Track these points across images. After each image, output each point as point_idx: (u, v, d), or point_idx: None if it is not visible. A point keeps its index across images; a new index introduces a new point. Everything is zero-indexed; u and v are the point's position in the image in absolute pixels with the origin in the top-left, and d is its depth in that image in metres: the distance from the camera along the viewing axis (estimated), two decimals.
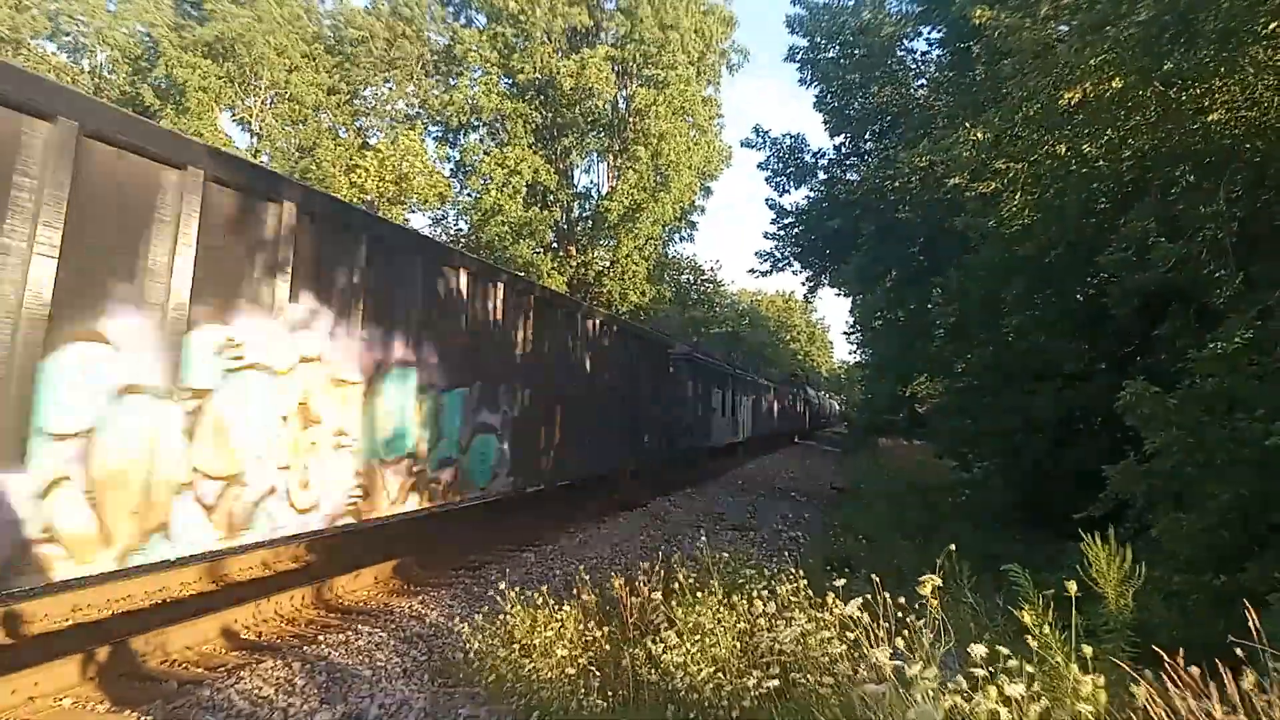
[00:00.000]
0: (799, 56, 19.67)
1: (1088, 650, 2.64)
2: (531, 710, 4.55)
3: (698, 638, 4.47)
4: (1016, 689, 2.48)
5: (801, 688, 3.63)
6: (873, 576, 3.24)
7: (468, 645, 5.45)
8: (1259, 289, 6.07)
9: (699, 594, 4.94)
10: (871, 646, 2.97)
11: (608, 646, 5.04)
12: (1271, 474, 5.24)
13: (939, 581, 2.90)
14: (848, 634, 3.41)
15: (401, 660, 5.73)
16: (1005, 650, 2.65)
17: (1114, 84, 6.72)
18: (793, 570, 4.96)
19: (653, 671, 4.50)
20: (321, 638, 6.05)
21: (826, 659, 3.50)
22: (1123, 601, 3.18)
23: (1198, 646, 2.81)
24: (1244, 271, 6.22)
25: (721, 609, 4.75)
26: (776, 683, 3.65)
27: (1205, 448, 5.71)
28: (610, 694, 4.52)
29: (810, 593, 4.44)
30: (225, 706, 4.73)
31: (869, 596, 3.38)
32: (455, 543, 9.92)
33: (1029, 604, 2.95)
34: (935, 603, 2.92)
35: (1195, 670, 2.59)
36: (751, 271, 52.40)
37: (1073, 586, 2.79)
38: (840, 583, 3.85)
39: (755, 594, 4.62)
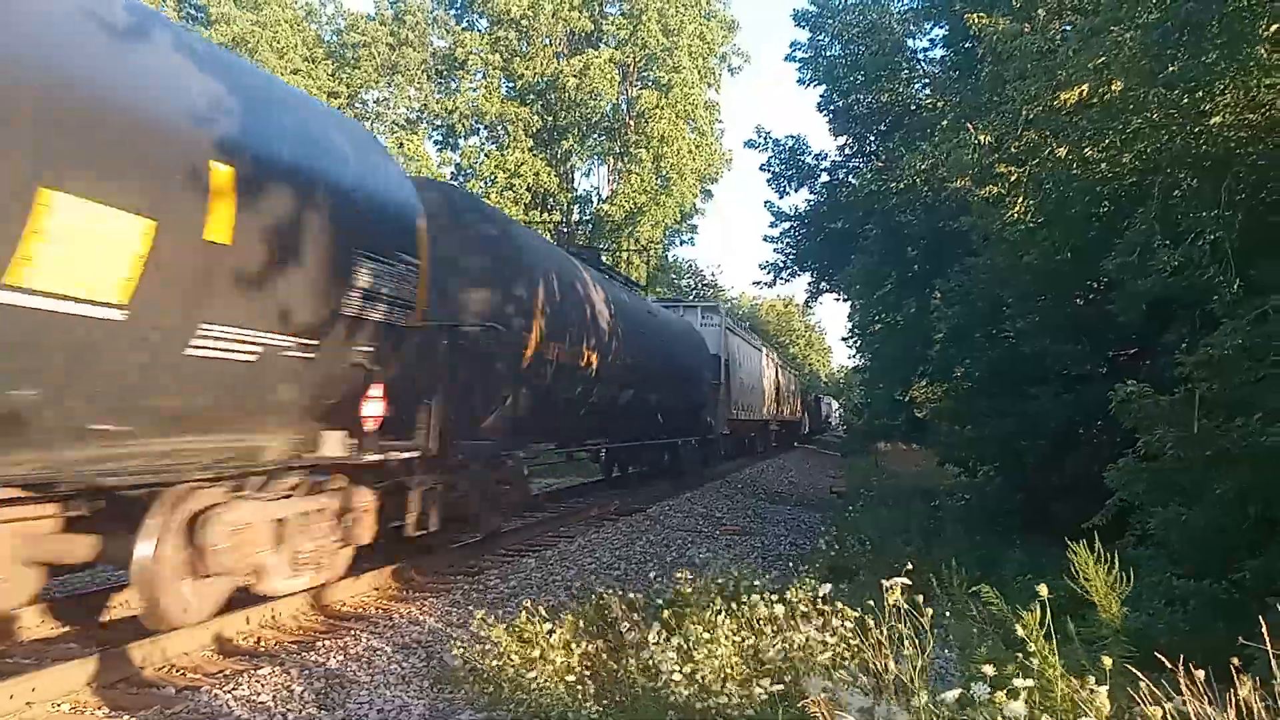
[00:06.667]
0: (798, 56, 19.61)
1: (1084, 662, 2.60)
2: (531, 716, 4.52)
3: (703, 649, 4.44)
4: (1018, 706, 2.44)
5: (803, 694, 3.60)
6: (882, 582, 3.22)
7: (464, 657, 5.42)
8: (1258, 294, 6.01)
9: (700, 601, 4.91)
10: (875, 654, 2.95)
11: (606, 656, 5.01)
12: (1270, 473, 5.20)
13: (908, 582, 2.90)
14: (850, 641, 3.39)
15: (400, 666, 5.70)
16: (992, 671, 2.60)
17: (1114, 87, 6.68)
18: (796, 584, 4.92)
19: (653, 680, 4.47)
20: (320, 643, 6.03)
21: (829, 666, 3.48)
22: (1113, 608, 3.15)
23: (1200, 651, 2.78)
24: (1240, 277, 6.16)
25: (722, 619, 4.72)
26: (780, 687, 3.63)
27: (1201, 446, 5.66)
28: (608, 699, 4.50)
29: (815, 604, 4.41)
30: (224, 712, 4.71)
31: (871, 602, 3.36)
32: (452, 549, 9.88)
33: (1020, 616, 2.91)
34: (901, 606, 2.90)
35: (1200, 675, 2.56)
36: (756, 284, 52.58)
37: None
38: (844, 586, 3.82)
39: (760, 600, 4.59)
